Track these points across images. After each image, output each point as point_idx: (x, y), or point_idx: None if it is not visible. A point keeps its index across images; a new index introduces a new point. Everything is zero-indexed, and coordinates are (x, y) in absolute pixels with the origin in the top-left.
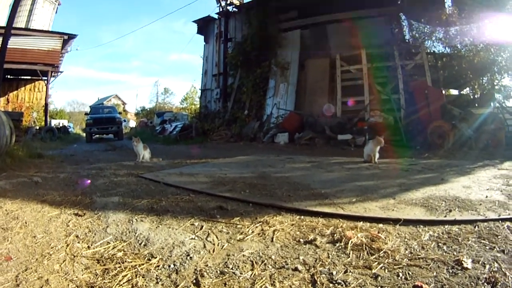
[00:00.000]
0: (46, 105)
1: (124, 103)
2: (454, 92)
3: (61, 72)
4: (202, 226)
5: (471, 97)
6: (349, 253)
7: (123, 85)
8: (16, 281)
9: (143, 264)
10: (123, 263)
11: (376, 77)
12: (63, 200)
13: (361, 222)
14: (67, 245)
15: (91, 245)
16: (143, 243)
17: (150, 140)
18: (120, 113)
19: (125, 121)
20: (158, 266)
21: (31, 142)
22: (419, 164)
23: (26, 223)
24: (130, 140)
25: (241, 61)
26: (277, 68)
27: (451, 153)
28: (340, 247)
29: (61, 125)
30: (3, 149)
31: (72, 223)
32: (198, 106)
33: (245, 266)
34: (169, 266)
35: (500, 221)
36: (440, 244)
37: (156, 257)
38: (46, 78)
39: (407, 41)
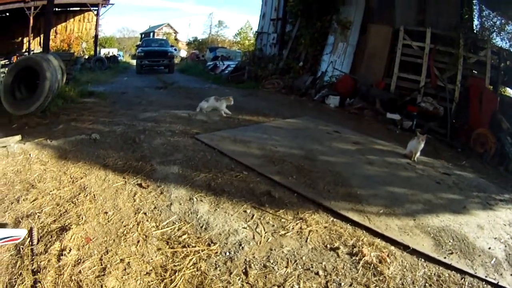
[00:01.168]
0: (96, 36)
1: (176, 32)
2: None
3: (112, 4)
4: (253, 215)
5: None
6: (359, 269)
7: (176, 13)
8: (102, 264)
9: (204, 250)
10: (188, 246)
11: (436, 61)
12: (125, 165)
13: (379, 239)
14: (138, 224)
15: (159, 224)
16: (203, 227)
17: (202, 77)
18: (172, 46)
19: (176, 50)
20: (217, 252)
21: (80, 75)
22: (452, 176)
23: (94, 196)
24: (181, 74)
25: (301, 11)
26: (338, 25)
27: (487, 168)
28: (354, 260)
29: (110, 54)
30: (56, 92)
31: (138, 197)
32: (252, 42)
33: (282, 262)
34: (225, 253)
35: (483, 282)
36: (427, 285)
37: (215, 244)
38: (96, 8)
39: (475, 31)
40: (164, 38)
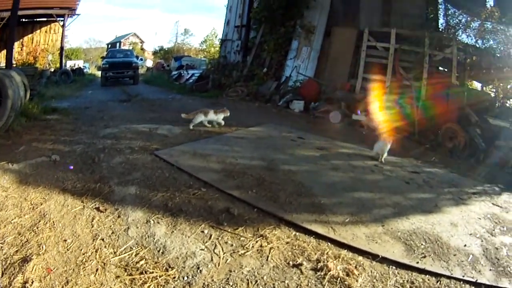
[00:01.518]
0: (61, 48)
1: (142, 41)
2: (477, 84)
3: (78, 14)
4: (210, 235)
5: (493, 95)
6: (325, 285)
7: (143, 22)
8: None
9: (162, 275)
10: (146, 272)
11: (401, 60)
12: (83, 188)
13: (345, 251)
14: (96, 251)
15: (117, 250)
16: (161, 251)
17: (166, 87)
18: (137, 56)
19: (142, 60)
20: (175, 277)
21: (45, 90)
22: (422, 174)
23: (53, 223)
24: (146, 85)
25: (265, 17)
26: (302, 30)
27: (458, 161)
28: (319, 276)
29: (76, 66)
30: (18, 110)
31: (96, 222)
32: (217, 49)
33: (242, 284)
34: (183, 277)
35: (461, 282)
36: None
37: (173, 268)
38: (62, 19)
39: (440, 29)
40: (130, 48)
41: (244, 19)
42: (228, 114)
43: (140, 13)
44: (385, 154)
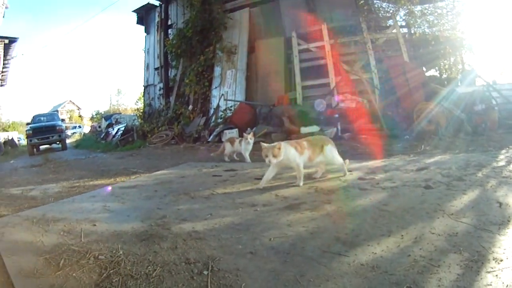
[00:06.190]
0: None
1: (79, 108)
2: None
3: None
4: None
5: (439, 76)
6: None
7: (79, 88)
8: None
9: None
10: None
11: (342, 54)
12: None
13: None
14: None
15: None
16: None
17: (92, 148)
18: (63, 119)
19: (80, 127)
20: None
21: None
22: (431, 169)
23: None
24: (74, 149)
25: (182, 49)
26: (223, 53)
27: (450, 141)
28: None
29: (9, 138)
30: None
31: None
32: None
33: None
34: None
35: None
36: None
37: None
38: None
39: (376, 11)
40: (54, 112)
41: (162, 59)
42: (251, 139)
43: (75, 79)
44: (347, 162)
